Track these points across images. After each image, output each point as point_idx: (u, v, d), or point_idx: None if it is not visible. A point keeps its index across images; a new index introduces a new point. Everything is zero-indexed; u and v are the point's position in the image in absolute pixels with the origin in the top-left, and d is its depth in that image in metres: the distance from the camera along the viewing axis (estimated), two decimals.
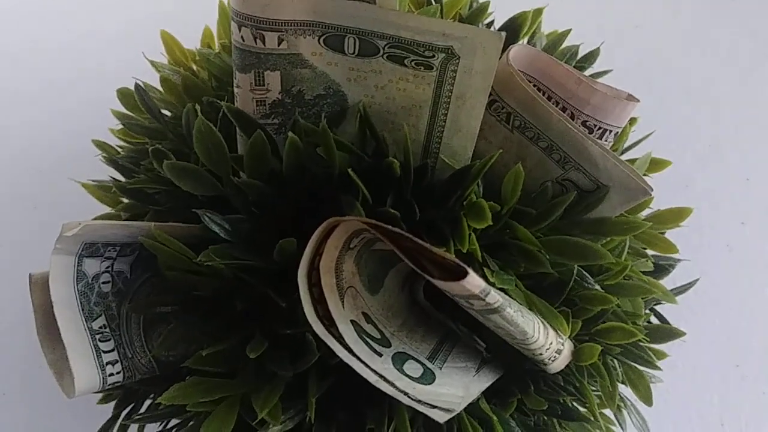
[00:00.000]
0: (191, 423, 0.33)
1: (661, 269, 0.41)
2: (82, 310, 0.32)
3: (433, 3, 0.38)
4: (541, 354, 0.32)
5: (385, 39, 0.28)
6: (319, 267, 0.28)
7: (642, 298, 0.38)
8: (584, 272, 0.35)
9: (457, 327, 0.36)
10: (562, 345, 0.33)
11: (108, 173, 0.40)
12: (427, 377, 0.29)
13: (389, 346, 0.30)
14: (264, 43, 0.28)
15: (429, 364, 0.31)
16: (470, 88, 0.29)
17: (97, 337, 0.32)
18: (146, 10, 0.58)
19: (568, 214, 0.34)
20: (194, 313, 0.33)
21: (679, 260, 0.41)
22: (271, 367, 0.31)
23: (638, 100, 0.32)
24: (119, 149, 0.40)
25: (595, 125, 0.33)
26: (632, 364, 0.37)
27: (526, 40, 0.39)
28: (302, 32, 0.28)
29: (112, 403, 0.38)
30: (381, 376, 0.27)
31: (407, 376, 0.29)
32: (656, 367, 0.38)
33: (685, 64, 0.59)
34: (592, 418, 0.36)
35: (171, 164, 0.30)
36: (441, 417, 0.27)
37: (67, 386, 0.31)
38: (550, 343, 0.32)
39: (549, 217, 0.33)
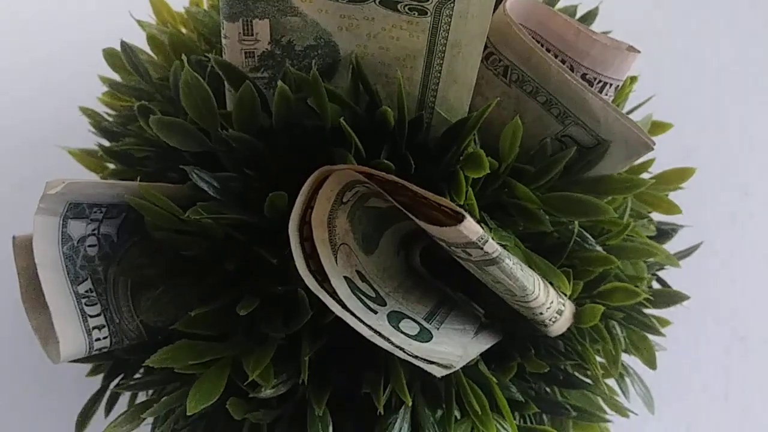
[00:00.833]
0: (181, 389, 0.32)
1: (664, 234, 0.40)
2: (68, 273, 0.31)
3: None
4: (541, 313, 0.31)
5: None
6: (311, 220, 0.27)
7: (644, 262, 0.37)
8: (585, 233, 0.34)
9: (455, 294, 0.35)
10: (563, 305, 0.32)
11: (95, 143, 0.39)
12: (424, 335, 0.28)
13: (384, 305, 0.29)
14: None
15: (426, 324, 0.30)
16: (466, 34, 0.28)
17: (83, 301, 0.31)
18: None
19: (568, 172, 0.33)
20: (183, 276, 0.32)
21: (681, 226, 0.40)
22: (262, 329, 0.30)
23: (639, 51, 0.31)
24: (107, 116, 0.39)
25: (595, 78, 0.32)
26: (635, 328, 0.36)
27: None
28: None
29: (100, 377, 0.37)
30: (376, 332, 0.26)
31: (403, 333, 0.28)
32: (659, 333, 0.37)
33: (687, 29, 0.58)
34: (593, 384, 0.35)
35: (158, 119, 0.29)
36: (439, 372, 0.26)
37: (52, 352, 0.30)
38: (551, 302, 0.31)
39: (548, 174, 0.32)
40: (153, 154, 0.34)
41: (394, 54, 0.30)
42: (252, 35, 0.29)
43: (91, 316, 0.31)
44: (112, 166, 0.38)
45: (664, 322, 0.38)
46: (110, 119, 0.39)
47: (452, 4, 0.27)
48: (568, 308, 0.33)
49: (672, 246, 0.39)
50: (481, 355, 0.31)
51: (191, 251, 0.31)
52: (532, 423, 0.35)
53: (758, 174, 0.55)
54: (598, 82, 0.32)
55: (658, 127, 0.39)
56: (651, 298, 0.34)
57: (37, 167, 0.52)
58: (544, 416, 0.36)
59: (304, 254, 0.27)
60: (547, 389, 0.36)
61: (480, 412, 0.31)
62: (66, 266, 0.31)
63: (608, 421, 0.36)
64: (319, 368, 0.31)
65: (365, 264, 0.30)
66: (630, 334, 0.36)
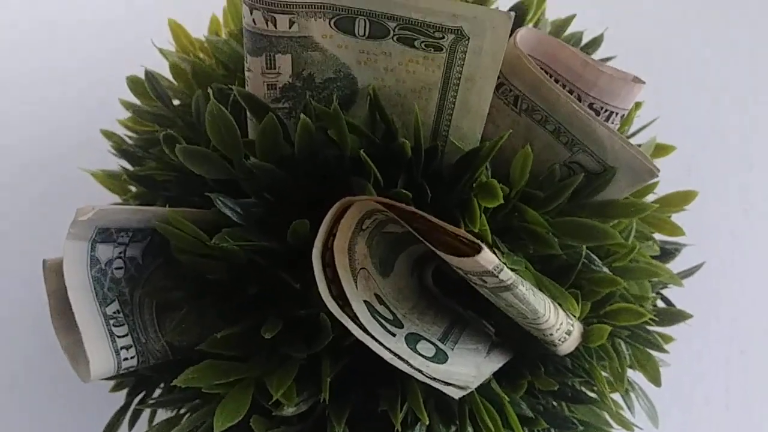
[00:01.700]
0: (204, 408, 0.33)
1: (667, 253, 0.41)
2: (96, 295, 0.32)
3: None
4: (551, 334, 0.32)
5: (395, 20, 0.28)
6: (333, 247, 0.29)
7: (648, 281, 0.38)
8: (592, 255, 0.35)
9: (466, 312, 0.36)
10: (572, 326, 0.33)
11: (114, 166, 0.41)
12: (440, 357, 0.30)
13: (402, 327, 0.30)
14: (275, 26, 0.28)
15: (441, 345, 0.31)
16: (480, 68, 0.29)
17: (111, 322, 0.32)
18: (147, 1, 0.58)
19: (576, 197, 0.34)
20: (207, 299, 0.33)
21: (684, 245, 0.42)
22: (284, 350, 0.31)
23: (644, 83, 0.33)
24: (127, 138, 0.40)
25: (602, 107, 0.33)
26: (640, 346, 0.37)
27: (531, 25, 0.39)
28: (313, 14, 0.28)
29: (121, 394, 0.38)
30: (396, 354, 0.28)
31: (421, 355, 0.29)
32: (663, 350, 0.38)
33: (688, 50, 0.60)
34: (600, 399, 0.36)
35: (183, 148, 0.30)
36: (456, 393, 0.27)
37: (82, 371, 0.32)
38: (560, 324, 0.32)
39: (557, 200, 0.33)
40: (175, 178, 0.35)
41: (410, 86, 0.31)
42: (275, 69, 0.30)
43: (119, 336, 0.32)
44: (133, 188, 0.39)
45: (668, 339, 0.39)
46: (131, 141, 0.40)
47: (467, 42, 0.28)
48: (577, 328, 0.34)
49: (675, 265, 0.40)
50: (492, 373, 0.32)
51: (215, 275, 0.32)
52: None
53: (759, 192, 0.56)
54: (604, 111, 0.33)
55: (661, 150, 0.40)
56: (656, 318, 0.36)
57: (54, 181, 0.54)
58: (553, 431, 0.37)
59: (326, 280, 0.28)
60: (555, 404, 0.38)
61: (492, 429, 0.32)
62: (95, 288, 0.32)
63: None
64: (339, 387, 0.32)
65: (382, 287, 0.31)
66: (635, 352, 0.37)
